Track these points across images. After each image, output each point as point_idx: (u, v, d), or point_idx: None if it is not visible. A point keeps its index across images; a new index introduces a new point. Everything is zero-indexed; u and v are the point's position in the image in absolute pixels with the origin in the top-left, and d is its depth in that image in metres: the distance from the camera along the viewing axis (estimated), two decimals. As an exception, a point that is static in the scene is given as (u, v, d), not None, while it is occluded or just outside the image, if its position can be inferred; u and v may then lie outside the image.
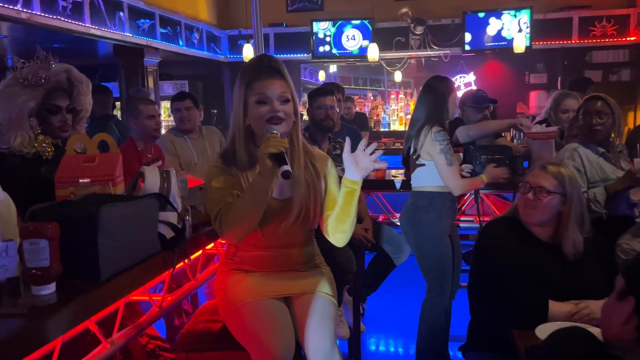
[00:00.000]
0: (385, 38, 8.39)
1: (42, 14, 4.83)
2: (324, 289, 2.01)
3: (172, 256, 1.83)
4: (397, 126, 8.99)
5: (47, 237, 1.37)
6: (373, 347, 3.58)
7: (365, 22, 8.40)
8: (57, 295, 1.41)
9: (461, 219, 3.92)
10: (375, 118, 9.12)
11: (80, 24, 5.36)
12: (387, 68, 9.54)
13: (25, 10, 4.62)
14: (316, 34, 8.53)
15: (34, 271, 1.37)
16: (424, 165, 2.99)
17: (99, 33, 5.68)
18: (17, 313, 1.29)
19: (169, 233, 1.83)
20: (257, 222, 1.85)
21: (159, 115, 3.58)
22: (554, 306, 1.99)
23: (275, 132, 1.80)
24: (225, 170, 1.90)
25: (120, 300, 1.87)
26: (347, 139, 1.83)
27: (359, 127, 6.96)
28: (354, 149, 1.79)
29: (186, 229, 1.91)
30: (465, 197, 3.92)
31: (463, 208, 3.97)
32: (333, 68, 12.18)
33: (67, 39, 6.00)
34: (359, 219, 3.31)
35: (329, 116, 3.23)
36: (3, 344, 1.20)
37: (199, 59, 8.28)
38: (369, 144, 1.82)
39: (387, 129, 9.02)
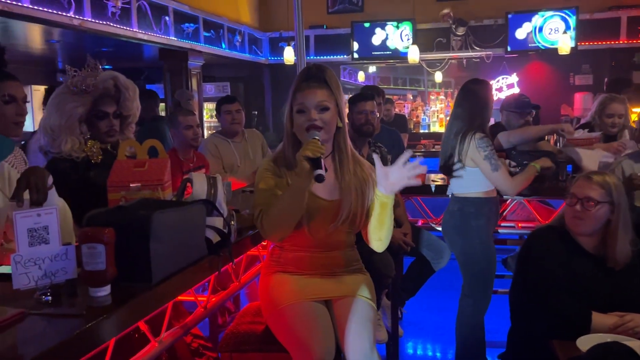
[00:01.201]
0: (426, 39, 8.36)
1: (93, 20, 5.02)
2: (364, 293, 2.04)
3: (217, 260, 1.90)
4: (437, 128, 8.93)
5: (103, 241, 1.44)
6: (411, 351, 3.59)
7: (406, 23, 8.37)
8: (112, 297, 1.49)
9: (502, 224, 3.88)
10: (415, 119, 9.09)
11: (127, 28, 5.55)
12: (428, 69, 9.49)
13: (77, 16, 4.81)
14: (356, 35, 8.55)
15: (91, 274, 1.45)
16: (460, 177, 3.00)
17: (145, 37, 5.86)
18: (75, 314, 1.37)
19: (215, 237, 1.89)
20: (296, 221, 1.93)
21: (197, 125, 3.69)
22: (598, 318, 1.97)
23: (317, 137, 1.89)
24: (275, 173, 2.00)
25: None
26: (376, 157, 1.88)
27: (398, 129, 6.96)
28: (393, 151, 1.85)
29: (231, 233, 1.97)
30: (508, 202, 3.88)
31: (504, 213, 3.93)
32: (372, 68, 12.18)
33: (115, 43, 6.23)
34: (398, 224, 3.33)
35: (369, 121, 3.26)
36: (63, 344, 1.28)
37: (241, 61, 8.42)
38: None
39: (426, 131, 8.98)
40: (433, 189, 3.60)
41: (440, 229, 3.26)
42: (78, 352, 1.31)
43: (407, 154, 1.85)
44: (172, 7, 6.35)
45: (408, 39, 8.30)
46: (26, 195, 1.68)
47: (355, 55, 8.63)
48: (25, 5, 4.21)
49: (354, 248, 2.18)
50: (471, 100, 3.03)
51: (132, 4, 5.59)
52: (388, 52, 8.52)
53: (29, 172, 1.69)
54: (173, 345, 2.43)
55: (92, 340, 1.36)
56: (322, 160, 1.83)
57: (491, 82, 8.69)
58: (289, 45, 7.74)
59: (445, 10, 8.17)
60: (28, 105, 2.18)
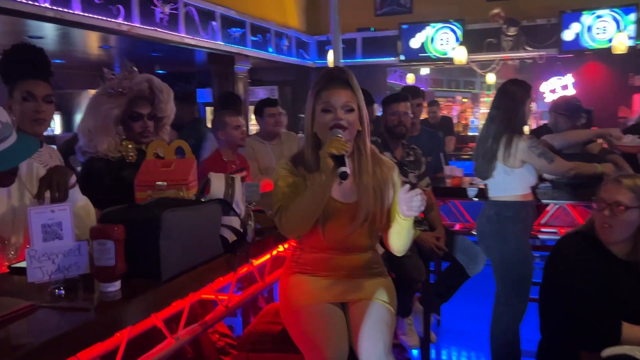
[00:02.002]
0: (476, 40, 8.19)
1: (141, 26, 5.19)
2: (381, 297, 2.01)
3: (234, 259, 1.92)
4: (487, 130, 8.70)
5: (113, 238, 1.48)
6: (445, 357, 3.51)
7: (455, 24, 8.22)
8: (122, 292, 1.53)
9: (543, 230, 3.74)
10: (463, 122, 8.90)
11: (175, 34, 5.71)
12: (479, 71, 9.28)
13: (125, 22, 4.99)
14: (403, 36, 8.47)
15: (101, 269, 1.50)
16: (498, 179, 2.93)
17: (192, 42, 6.01)
18: (82, 307, 1.41)
19: (231, 236, 1.91)
20: (315, 219, 1.93)
21: (244, 125, 3.77)
22: (628, 329, 1.87)
23: (340, 135, 1.88)
24: (293, 172, 2.00)
25: (186, 299, 1.98)
26: (406, 187, 1.85)
27: (444, 132, 6.86)
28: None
29: (248, 233, 1.98)
30: (548, 208, 3.74)
31: (546, 219, 3.79)
32: (425, 70, 12.02)
33: (167, 48, 6.43)
34: (431, 227, 3.27)
35: (402, 122, 3.22)
36: (71, 333, 1.32)
37: (288, 65, 8.51)
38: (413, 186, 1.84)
39: (475, 133, 8.78)
40: (472, 193, 3.51)
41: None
42: (83, 343, 1.36)
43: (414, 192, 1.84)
44: (219, 12, 6.49)
45: (456, 40, 8.15)
46: (48, 193, 1.75)
47: (402, 57, 8.55)
48: (77, 12, 4.40)
49: (375, 251, 2.15)
50: (508, 102, 2.96)
51: (180, 9, 5.75)
52: (436, 54, 8.39)
53: (51, 171, 1.76)
54: (199, 342, 2.48)
55: (97, 333, 1.40)
56: (346, 159, 1.82)
57: (544, 83, 8.46)
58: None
59: (496, 10, 7.97)
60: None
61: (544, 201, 3.29)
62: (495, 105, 3.03)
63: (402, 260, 2.93)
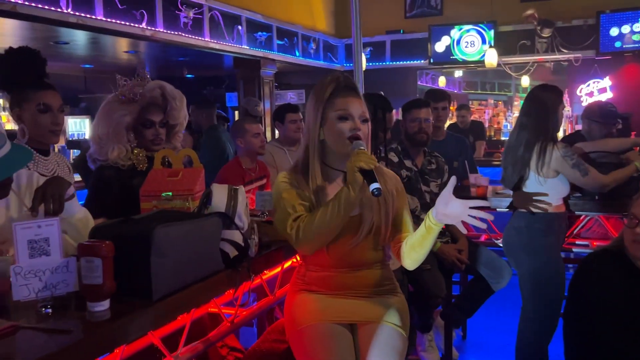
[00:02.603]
0: (508, 42, 7.97)
1: (165, 31, 5.18)
2: (392, 319, 1.90)
3: (236, 274, 1.83)
4: (519, 135, 8.43)
5: (100, 255, 1.41)
6: (469, 375, 3.36)
7: (483, 25, 8.02)
8: (111, 312, 1.46)
9: (575, 242, 3.55)
10: (495, 126, 8.66)
11: (199, 38, 5.68)
12: (513, 74, 9.02)
13: (149, 27, 4.99)
14: (434, 39, 8.30)
15: (88, 287, 1.43)
16: (530, 190, 2.78)
17: (217, 47, 5.98)
18: (66, 329, 1.34)
19: (232, 251, 1.83)
20: (334, 235, 1.83)
21: (263, 133, 3.71)
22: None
23: (363, 147, 1.78)
24: (293, 184, 1.89)
25: (187, 315, 1.91)
26: (453, 179, 1.71)
27: (474, 136, 6.67)
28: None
29: (251, 247, 1.89)
30: (581, 219, 3.54)
31: (578, 230, 3.59)
32: (458, 73, 11.78)
33: (192, 53, 6.42)
34: (453, 239, 3.13)
35: (423, 129, 3.09)
36: (55, 355, 1.26)
37: (316, 69, 8.42)
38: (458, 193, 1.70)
39: (507, 138, 8.52)
40: (505, 205, 3.33)
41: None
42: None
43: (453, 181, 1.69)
44: (245, 16, 6.45)
45: (483, 42, 7.95)
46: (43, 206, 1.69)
47: (432, 60, 8.38)
48: (99, 18, 4.41)
49: (385, 266, 2.03)
50: (539, 109, 2.82)
51: (205, 14, 5.73)
52: (462, 56, 8.19)
53: (47, 182, 1.71)
54: (208, 357, 2.40)
55: (83, 355, 1.33)
56: (374, 173, 1.72)
57: (581, 86, 8.15)
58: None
59: (530, 11, 7.73)
60: None
61: (577, 212, 3.12)
62: (525, 112, 2.89)
63: (421, 274, 2.82)
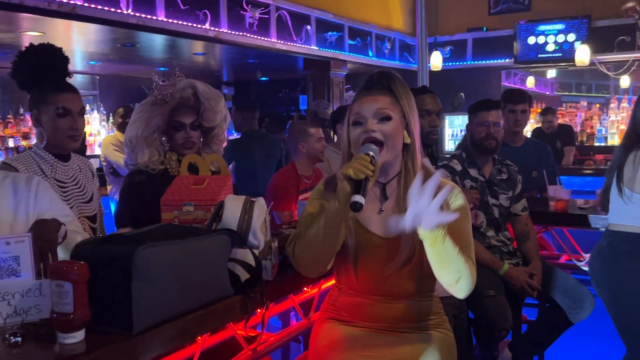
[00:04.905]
0: (604, 38, 7.26)
1: (229, 31, 5.07)
2: (429, 361, 1.57)
3: (248, 301, 1.59)
4: (615, 140, 7.64)
5: (70, 279, 1.22)
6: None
7: (580, 20, 7.33)
8: (87, 344, 1.26)
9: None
10: (588, 130, 7.90)
11: (265, 39, 5.54)
12: (609, 73, 8.22)
13: (212, 28, 4.89)
14: (520, 36, 7.71)
15: (58, 316, 1.23)
16: (619, 204, 2.36)
17: (284, 47, 5.81)
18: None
19: (244, 274, 1.58)
20: (331, 254, 1.59)
21: (324, 138, 3.50)
22: None
23: (370, 152, 1.50)
24: (322, 197, 1.65)
25: (195, 345, 1.69)
26: (418, 177, 1.42)
27: (561, 142, 6.07)
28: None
29: (267, 269, 1.64)
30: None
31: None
32: (551, 73, 10.98)
33: (261, 54, 6.29)
34: (525, 261, 2.72)
35: (491, 135, 2.69)
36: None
37: (391, 69, 8.08)
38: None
39: (602, 144, 7.73)
40: (595, 223, 2.85)
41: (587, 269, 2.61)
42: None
43: (437, 176, 1.39)
44: (315, 15, 6.24)
45: (577, 39, 7.27)
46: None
47: (518, 59, 7.79)
48: (160, 18, 4.35)
49: (430, 297, 1.71)
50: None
51: (272, 14, 5.58)
52: (556, 55, 7.54)
53: (34, 239, 1.47)
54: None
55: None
56: (367, 184, 1.44)
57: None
58: (436, 50, 7.21)
59: (630, 4, 7.00)
60: None
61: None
62: (633, 116, 2.49)
63: (483, 301, 2.45)
